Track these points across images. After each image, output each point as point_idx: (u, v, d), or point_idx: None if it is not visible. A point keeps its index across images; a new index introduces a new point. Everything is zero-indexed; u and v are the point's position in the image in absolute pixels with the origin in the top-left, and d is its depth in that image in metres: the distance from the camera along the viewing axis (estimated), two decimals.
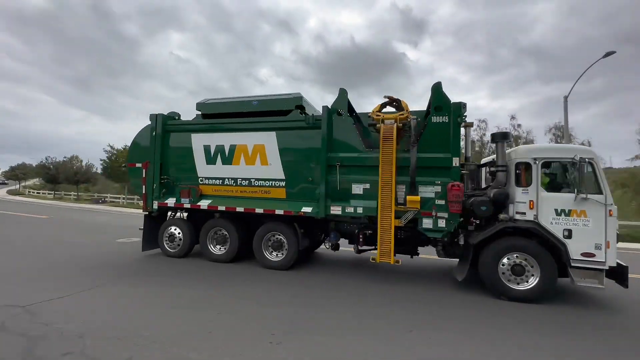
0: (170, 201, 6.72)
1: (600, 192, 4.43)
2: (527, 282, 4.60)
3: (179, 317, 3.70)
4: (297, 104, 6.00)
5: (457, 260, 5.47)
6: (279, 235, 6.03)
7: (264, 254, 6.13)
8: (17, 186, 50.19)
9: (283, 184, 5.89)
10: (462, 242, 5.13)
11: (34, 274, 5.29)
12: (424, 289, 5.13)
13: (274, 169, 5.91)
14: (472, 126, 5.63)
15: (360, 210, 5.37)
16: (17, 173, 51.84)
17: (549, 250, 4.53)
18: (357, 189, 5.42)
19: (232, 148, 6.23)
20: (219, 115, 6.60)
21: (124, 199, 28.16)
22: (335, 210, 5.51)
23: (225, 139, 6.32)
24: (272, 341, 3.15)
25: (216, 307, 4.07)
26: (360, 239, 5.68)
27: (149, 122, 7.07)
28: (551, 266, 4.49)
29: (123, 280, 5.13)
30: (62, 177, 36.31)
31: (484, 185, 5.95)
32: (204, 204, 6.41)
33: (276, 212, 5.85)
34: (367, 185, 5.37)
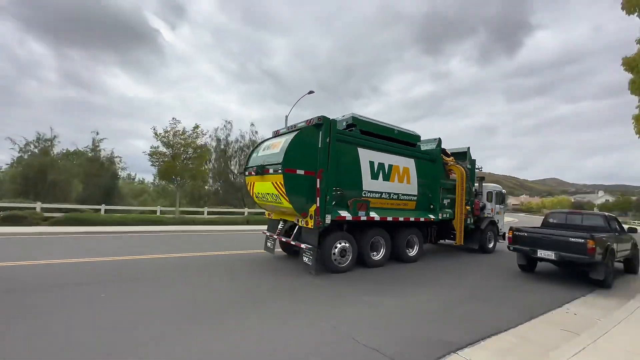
0: (344, 214, 6.44)
1: (504, 204, 12.20)
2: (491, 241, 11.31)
3: None
4: (418, 141, 8.92)
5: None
6: (414, 236, 8.54)
7: (406, 251, 8.28)
8: None
9: (415, 198, 8.38)
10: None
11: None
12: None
13: (412, 187, 8.24)
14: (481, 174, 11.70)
15: (447, 215, 9.42)
16: None
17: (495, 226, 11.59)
18: (445, 201, 9.38)
19: (390, 167, 7.60)
20: (372, 134, 7.47)
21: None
22: (443, 215, 9.11)
23: (384, 158, 7.52)
24: None
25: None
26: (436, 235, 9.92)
27: (301, 122, 6.04)
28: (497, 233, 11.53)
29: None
30: None
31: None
32: (375, 215, 7.09)
33: (411, 219, 8.20)
34: (449, 200, 9.52)
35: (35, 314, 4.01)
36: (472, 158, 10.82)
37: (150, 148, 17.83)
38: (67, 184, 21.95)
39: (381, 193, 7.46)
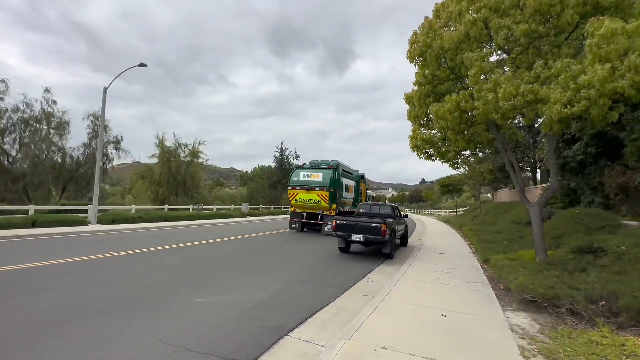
0: (340, 208, 14.34)
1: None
2: None
3: None
4: (357, 173, 17.89)
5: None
6: None
7: None
8: None
9: (352, 199, 16.93)
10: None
11: None
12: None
13: (352, 195, 17.02)
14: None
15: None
16: None
17: None
18: (359, 199, 15.36)
19: (347, 186, 16.04)
20: (344, 171, 15.94)
21: None
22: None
23: (346, 182, 15.78)
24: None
25: None
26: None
27: None
28: None
29: None
30: None
31: None
32: (346, 208, 15.57)
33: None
34: (360, 199, 16.49)
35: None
36: (365, 178, 19.29)
37: None
38: None
39: (346, 198, 15.52)
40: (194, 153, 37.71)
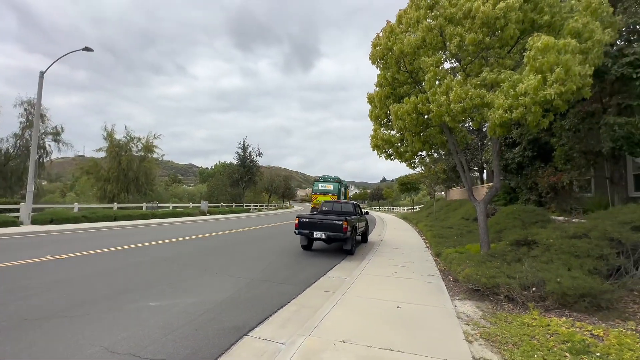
0: None
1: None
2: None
3: None
4: (343, 181, 20.70)
5: None
6: None
7: None
8: None
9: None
10: None
11: None
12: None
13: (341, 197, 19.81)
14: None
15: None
16: None
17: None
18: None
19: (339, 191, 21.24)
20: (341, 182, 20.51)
21: None
22: None
23: (340, 188, 25.70)
24: None
25: None
26: None
27: None
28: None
29: None
30: None
31: None
32: None
33: None
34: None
35: None
36: (346, 183, 23.17)
37: None
38: None
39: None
40: (148, 147, 35.22)
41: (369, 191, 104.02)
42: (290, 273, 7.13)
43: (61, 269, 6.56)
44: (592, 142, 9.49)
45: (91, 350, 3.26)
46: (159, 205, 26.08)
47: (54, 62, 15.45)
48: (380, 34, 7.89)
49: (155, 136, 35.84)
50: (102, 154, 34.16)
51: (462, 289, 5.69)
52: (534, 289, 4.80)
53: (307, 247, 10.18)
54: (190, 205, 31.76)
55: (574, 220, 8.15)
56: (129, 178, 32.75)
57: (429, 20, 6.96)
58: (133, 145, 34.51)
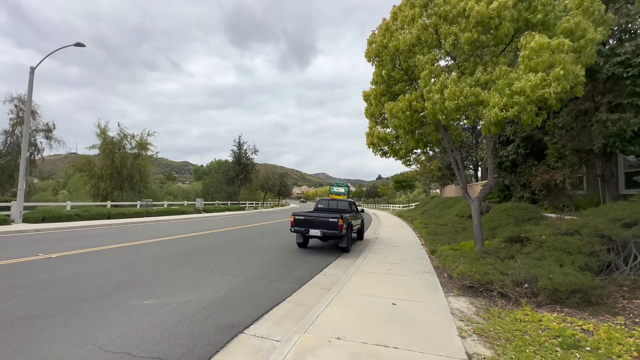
0: None
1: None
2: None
3: None
4: (348, 185, 16.06)
5: None
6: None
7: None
8: None
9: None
10: None
11: None
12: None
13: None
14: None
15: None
16: None
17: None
18: None
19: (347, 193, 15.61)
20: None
21: None
22: None
23: (346, 191, 16.89)
24: None
25: None
26: None
27: None
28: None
29: None
30: None
31: None
32: None
33: None
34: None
35: None
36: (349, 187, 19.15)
37: None
38: None
39: None
40: (142, 145, 34.86)
41: (364, 189, 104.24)
42: (286, 271, 7.13)
43: (54, 267, 6.48)
44: (585, 139, 9.61)
45: (85, 349, 3.23)
46: (153, 203, 25.88)
47: (45, 58, 15.20)
48: (376, 32, 7.87)
49: (150, 133, 35.50)
50: (95, 152, 33.76)
51: (457, 286, 5.75)
52: (526, 285, 4.86)
53: (303, 244, 10.19)
54: (185, 203, 31.58)
55: (566, 218, 8.26)
56: (122, 176, 32.42)
57: (424, 19, 6.97)
58: (127, 142, 34.16)
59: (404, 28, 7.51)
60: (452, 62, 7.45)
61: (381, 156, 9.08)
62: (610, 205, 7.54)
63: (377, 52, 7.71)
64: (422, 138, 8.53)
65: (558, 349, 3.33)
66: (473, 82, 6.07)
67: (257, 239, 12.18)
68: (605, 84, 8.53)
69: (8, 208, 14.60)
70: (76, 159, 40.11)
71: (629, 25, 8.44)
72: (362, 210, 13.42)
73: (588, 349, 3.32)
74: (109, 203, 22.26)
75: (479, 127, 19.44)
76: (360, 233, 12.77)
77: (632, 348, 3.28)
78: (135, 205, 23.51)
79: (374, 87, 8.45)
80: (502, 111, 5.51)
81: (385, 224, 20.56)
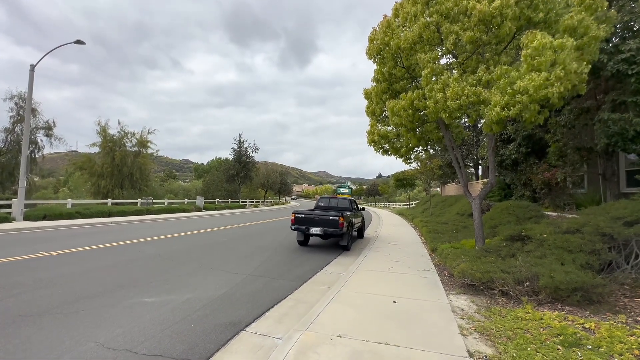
0: None
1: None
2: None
3: None
4: (350, 188, 25.88)
5: None
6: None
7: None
8: None
9: None
10: None
11: None
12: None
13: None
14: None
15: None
16: None
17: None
18: None
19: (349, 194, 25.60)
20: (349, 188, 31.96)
21: None
22: None
23: (347, 192, 36.06)
24: None
25: None
26: None
27: None
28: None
29: None
30: None
31: None
32: None
33: None
34: None
35: None
36: (351, 188, 28.59)
37: None
38: None
39: None
40: (142, 143, 34.86)
41: (365, 187, 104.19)
42: (287, 269, 7.13)
43: (55, 265, 6.49)
44: (587, 138, 9.58)
45: (87, 346, 3.24)
46: (153, 201, 25.90)
47: (44, 55, 15.15)
48: (377, 29, 7.83)
49: (150, 131, 35.50)
50: (96, 149, 33.78)
51: (457, 284, 5.75)
52: (527, 283, 4.86)
53: (304, 242, 10.19)
54: (186, 201, 31.59)
55: (567, 216, 8.25)
56: (123, 174, 32.45)
57: (426, 16, 6.93)
58: (127, 140, 34.18)
59: (405, 25, 7.47)
60: (454, 59, 7.41)
61: (382, 154, 9.06)
62: (611, 203, 7.53)
63: (379, 49, 7.67)
64: (423, 136, 8.51)
65: (559, 347, 3.33)
66: (475, 82, 6.04)
67: (257, 237, 12.18)
68: (608, 82, 8.48)
69: (9, 206, 14.62)
70: (77, 157, 40.13)
71: (633, 24, 8.39)
72: (363, 209, 13.41)
73: (589, 347, 3.32)
74: (109, 201, 22.28)
75: (480, 126, 19.40)
76: (361, 231, 12.77)
77: (634, 346, 3.28)
78: (136, 203, 23.52)
79: (375, 84, 8.42)
80: (504, 110, 5.49)
81: (386, 222, 20.56)
